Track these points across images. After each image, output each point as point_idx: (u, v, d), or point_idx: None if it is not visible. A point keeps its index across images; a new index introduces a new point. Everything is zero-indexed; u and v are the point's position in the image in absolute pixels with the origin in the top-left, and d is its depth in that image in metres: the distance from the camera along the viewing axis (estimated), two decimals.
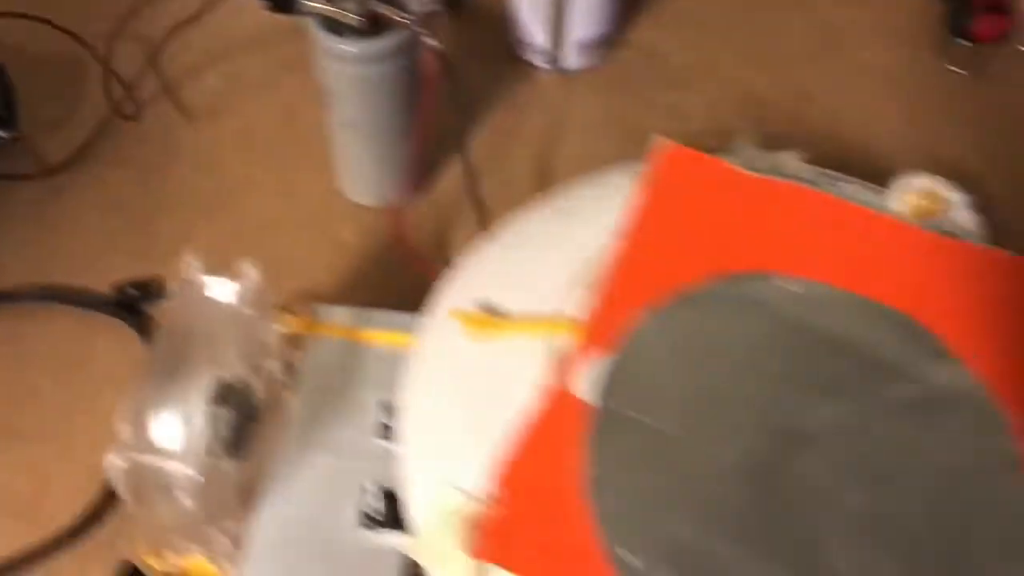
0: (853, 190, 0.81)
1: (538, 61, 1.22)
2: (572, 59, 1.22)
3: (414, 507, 0.66)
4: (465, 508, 0.59)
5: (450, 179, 1.10)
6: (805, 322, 0.67)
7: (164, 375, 0.74)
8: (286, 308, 0.98)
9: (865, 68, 1.26)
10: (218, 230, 1.08)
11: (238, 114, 1.18)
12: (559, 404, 0.63)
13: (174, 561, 0.79)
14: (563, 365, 0.65)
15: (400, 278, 1.01)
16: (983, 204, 1.02)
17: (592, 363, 0.65)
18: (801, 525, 0.59)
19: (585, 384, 0.64)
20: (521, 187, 1.11)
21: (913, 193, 0.79)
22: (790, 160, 0.84)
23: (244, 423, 0.79)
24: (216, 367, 0.76)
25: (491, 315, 0.70)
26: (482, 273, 0.75)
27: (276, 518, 0.79)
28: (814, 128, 1.19)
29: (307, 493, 0.80)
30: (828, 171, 0.83)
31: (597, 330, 0.67)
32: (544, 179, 1.13)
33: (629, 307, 0.68)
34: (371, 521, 0.79)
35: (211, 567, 0.79)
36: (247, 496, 0.82)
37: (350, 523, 0.78)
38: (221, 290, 0.79)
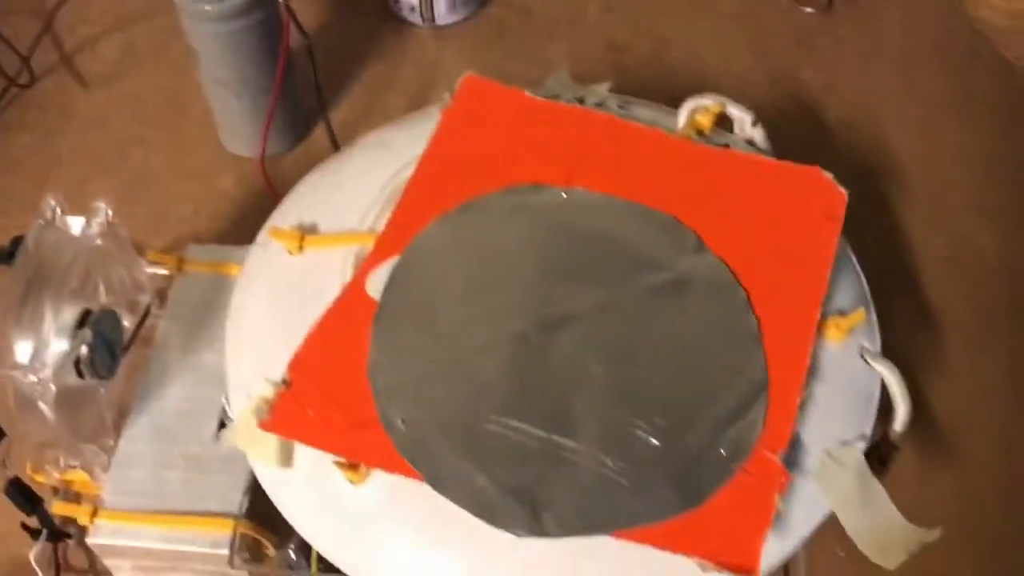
0: (647, 113, 0.90)
1: (411, 17, 1.31)
2: (444, 15, 1.30)
3: (233, 403, 0.75)
4: (269, 394, 0.68)
5: (323, 131, 1.19)
6: (572, 224, 0.76)
7: (22, 302, 0.82)
8: (161, 250, 1.08)
9: (723, 15, 1.35)
10: (110, 184, 1.17)
11: (130, 79, 1.27)
12: (350, 301, 0.72)
13: (57, 476, 0.88)
14: (359, 269, 0.74)
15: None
16: (818, 123, 1.11)
17: (382, 265, 0.74)
18: (555, 393, 0.68)
19: (374, 283, 0.73)
20: None
21: (700, 112, 0.87)
22: (598, 89, 0.93)
23: (111, 349, 0.88)
24: (79, 298, 0.84)
25: (305, 233, 0.79)
26: (304, 198, 0.83)
27: (142, 432, 0.88)
28: (672, 68, 1.28)
29: (172, 410, 0.89)
30: (629, 98, 0.92)
31: (390, 238, 0.75)
32: None
33: (421, 218, 0.76)
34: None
35: (90, 481, 0.87)
36: (121, 415, 0.91)
37: (211, 435, 0.87)
38: (77, 227, 0.88)
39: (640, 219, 0.77)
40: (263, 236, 0.83)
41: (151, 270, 0.98)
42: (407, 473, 0.65)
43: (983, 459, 0.99)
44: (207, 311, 0.95)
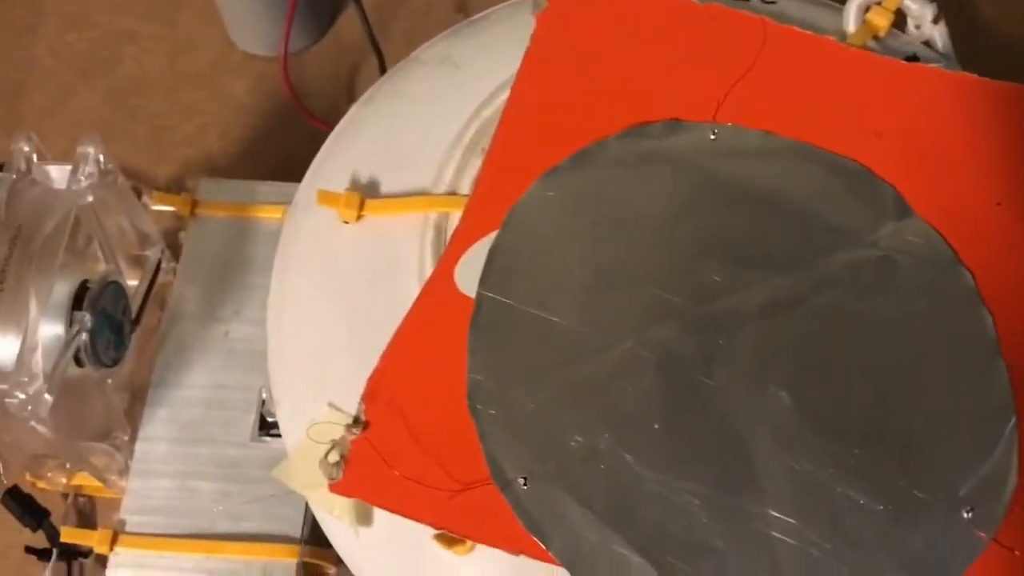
0: (802, 9, 0.68)
1: None
2: None
3: (284, 425, 0.57)
4: (337, 435, 0.50)
5: (352, 19, 0.96)
6: (728, 179, 0.56)
7: None
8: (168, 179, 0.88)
9: None
10: (95, 96, 0.95)
11: None
12: (437, 300, 0.53)
13: (63, 480, 0.72)
14: (445, 253, 0.54)
15: (298, 138, 0.89)
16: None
17: (476, 246, 0.54)
18: (726, 433, 0.49)
19: (466, 273, 0.54)
20: (439, 19, 0.97)
21: (873, 8, 0.65)
22: None
23: (117, 327, 0.70)
24: (72, 271, 0.65)
25: (365, 195, 0.59)
26: (353, 143, 0.63)
27: (162, 429, 0.71)
28: None
29: (196, 399, 0.72)
30: None
31: (482, 206, 0.55)
32: (465, 10, 0.99)
33: (520, 174, 0.56)
34: (269, 427, 0.70)
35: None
36: (134, 400, 0.73)
37: (248, 430, 0.70)
38: (62, 177, 0.68)
39: (817, 169, 0.57)
40: (305, 194, 0.62)
41: (158, 207, 0.78)
42: (536, 555, 0.47)
43: None
44: (229, 267, 0.76)
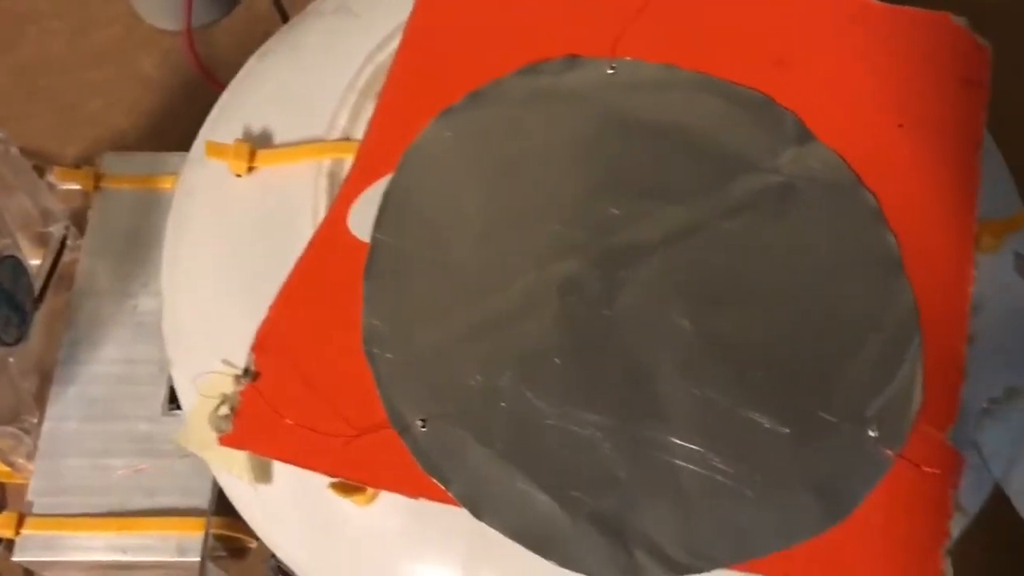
0: None
1: None
2: None
3: (180, 386, 0.55)
4: (228, 389, 0.48)
5: None
6: (627, 112, 0.55)
7: None
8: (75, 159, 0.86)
9: None
10: None
11: None
12: (328, 246, 0.51)
13: None
14: (337, 198, 0.53)
15: (207, 110, 0.86)
16: None
17: (370, 190, 0.53)
18: (630, 363, 0.48)
19: (360, 217, 0.52)
20: None
21: None
22: None
23: (17, 304, 0.67)
24: None
25: (256, 146, 0.57)
26: (248, 96, 0.61)
27: (71, 407, 0.68)
28: None
29: (107, 375, 0.69)
30: None
31: (375, 148, 0.54)
32: None
33: (414, 117, 0.54)
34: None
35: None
36: (44, 383, 0.71)
37: (159, 404, 0.68)
38: None
39: (718, 99, 0.56)
40: (197, 150, 0.60)
41: (64, 186, 0.76)
42: (437, 497, 0.46)
43: None
44: (138, 240, 0.74)
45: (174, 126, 0.89)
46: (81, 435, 0.67)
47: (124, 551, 0.64)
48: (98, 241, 0.74)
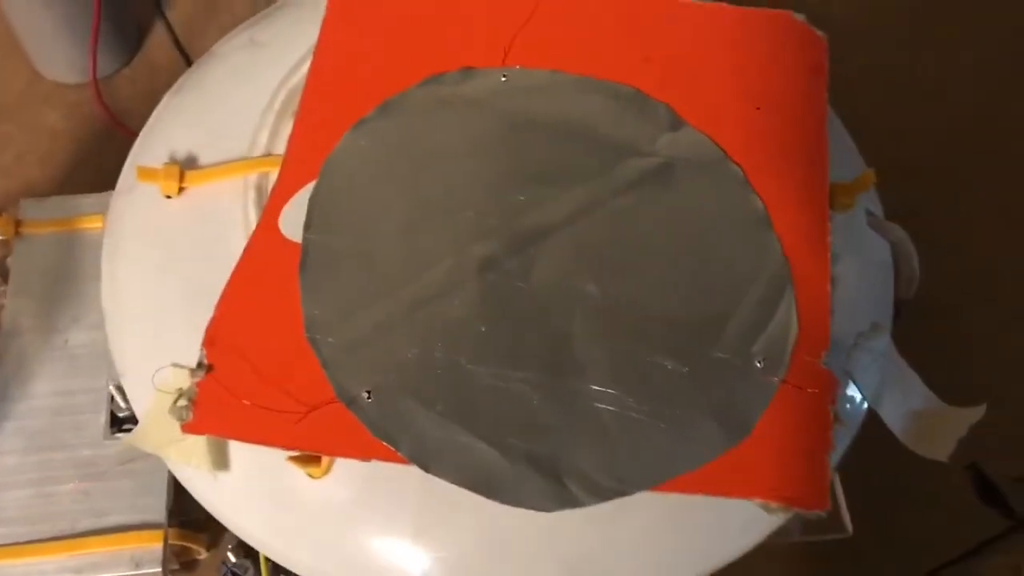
0: None
1: None
2: None
3: (133, 393, 0.59)
4: (185, 384, 0.52)
5: (161, 40, 0.98)
6: (521, 112, 0.62)
7: None
8: None
9: None
10: None
11: None
12: (264, 248, 0.56)
13: None
14: (268, 204, 0.58)
15: (120, 158, 0.90)
16: None
17: (297, 197, 0.58)
18: (548, 325, 0.54)
19: (290, 220, 0.57)
20: None
21: None
22: None
23: None
24: None
25: (183, 167, 0.61)
26: (169, 125, 0.65)
27: (11, 442, 0.71)
28: None
29: (44, 408, 0.72)
30: None
31: (298, 159, 0.59)
32: None
33: (331, 129, 0.60)
34: (121, 423, 0.71)
35: None
36: None
37: (100, 429, 0.71)
38: None
39: (599, 96, 0.63)
40: (126, 180, 0.64)
41: None
42: (387, 457, 0.51)
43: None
44: (62, 279, 0.77)
45: (84, 174, 0.92)
46: (23, 467, 0.69)
47: (78, 571, 0.66)
48: (22, 284, 0.76)
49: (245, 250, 0.56)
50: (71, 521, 0.68)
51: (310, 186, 0.58)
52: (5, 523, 0.68)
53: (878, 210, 0.67)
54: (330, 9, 0.64)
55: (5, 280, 0.77)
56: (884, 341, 0.60)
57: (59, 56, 0.95)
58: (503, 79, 0.63)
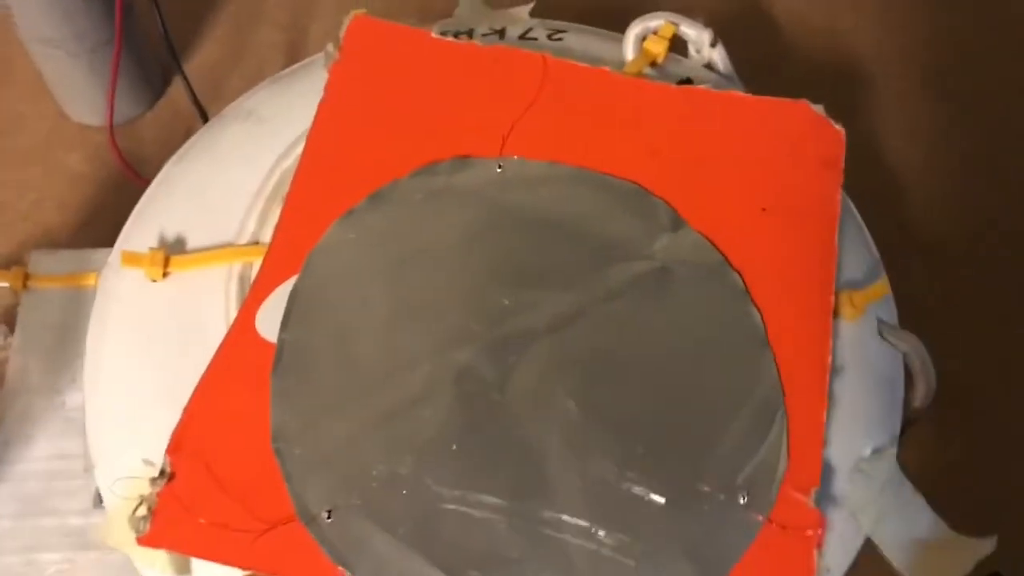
0: (586, 42, 0.72)
1: None
2: None
3: (102, 485, 0.58)
4: (145, 490, 0.51)
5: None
6: (514, 206, 0.59)
7: None
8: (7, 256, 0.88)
9: None
10: None
11: None
12: (238, 348, 0.55)
13: None
14: (246, 302, 0.56)
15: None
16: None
17: (277, 292, 0.56)
18: (520, 444, 0.52)
19: (266, 319, 0.55)
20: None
21: (650, 38, 0.70)
22: (520, 15, 0.75)
23: None
24: None
25: (170, 252, 0.60)
26: (162, 202, 0.64)
27: (5, 504, 0.70)
28: None
29: (39, 471, 0.71)
30: (560, 23, 0.74)
31: (281, 252, 0.58)
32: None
33: (318, 220, 0.58)
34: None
35: None
36: None
37: (90, 497, 0.70)
38: None
39: (597, 192, 0.61)
40: (116, 256, 0.64)
41: None
42: None
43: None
44: (66, 336, 0.76)
45: (103, 220, 0.92)
46: (14, 532, 0.69)
47: None
48: (28, 339, 0.76)
49: (219, 349, 0.55)
50: None
51: (290, 282, 0.56)
52: None
53: (893, 316, 0.63)
54: (328, 89, 0.63)
55: (11, 330, 0.77)
56: (887, 467, 0.57)
57: (83, 98, 0.95)
58: (499, 169, 0.61)
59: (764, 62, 1.00)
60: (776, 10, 1.08)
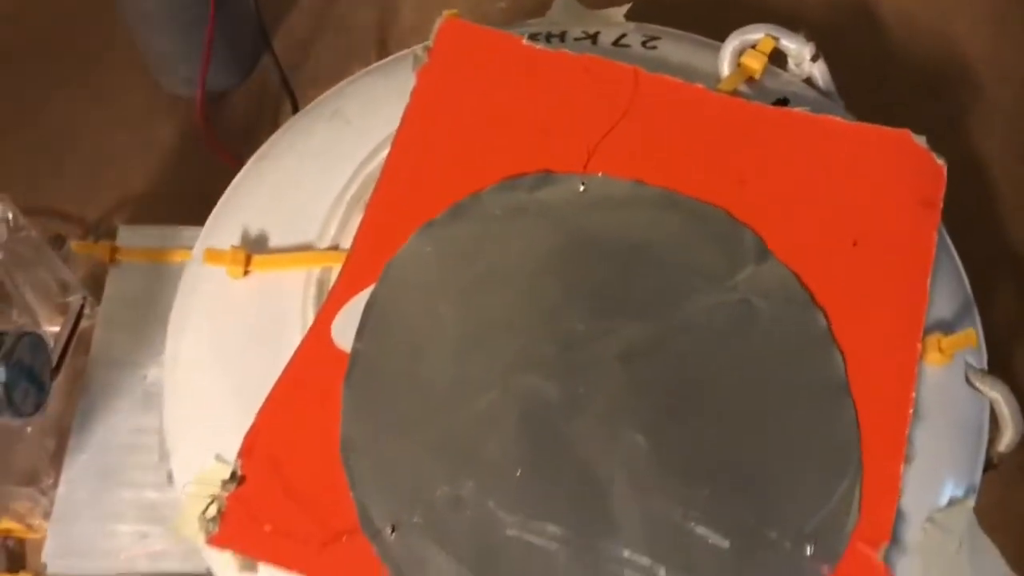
0: (682, 51, 0.70)
1: None
2: None
3: (177, 476, 0.60)
4: (217, 489, 0.52)
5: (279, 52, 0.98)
6: (595, 230, 0.58)
7: None
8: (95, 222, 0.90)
9: None
10: (22, 144, 0.97)
11: (29, 14, 1.04)
12: (312, 355, 0.55)
13: None
14: (322, 309, 0.57)
15: (223, 179, 0.91)
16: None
17: (354, 301, 0.57)
18: (582, 476, 0.52)
19: (342, 328, 0.56)
20: (361, 55, 1.00)
21: (748, 52, 0.68)
22: (614, 16, 0.73)
23: (36, 377, 0.72)
24: None
25: (252, 251, 0.61)
26: (246, 197, 0.65)
27: (83, 474, 0.73)
28: None
29: (117, 443, 0.74)
30: (656, 28, 0.72)
31: (360, 261, 0.58)
32: (385, 48, 1.02)
33: (398, 230, 0.58)
34: None
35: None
36: (61, 444, 0.76)
37: (167, 473, 0.72)
38: None
39: (682, 216, 0.59)
40: (200, 250, 0.65)
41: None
42: None
43: None
44: (149, 313, 0.78)
45: (190, 192, 0.93)
46: (93, 501, 0.72)
47: None
48: (113, 312, 0.78)
49: (294, 355, 0.55)
50: (129, 561, 0.70)
51: (367, 291, 0.57)
52: (72, 554, 0.70)
53: (982, 361, 0.61)
54: (415, 95, 0.62)
55: (98, 299, 0.79)
56: (964, 519, 0.55)
57: (176, 69, 0.96)
58: (582, 187, 0.60)
59: (869, 64, 0.97)
60: (884, 9, 1.04)
